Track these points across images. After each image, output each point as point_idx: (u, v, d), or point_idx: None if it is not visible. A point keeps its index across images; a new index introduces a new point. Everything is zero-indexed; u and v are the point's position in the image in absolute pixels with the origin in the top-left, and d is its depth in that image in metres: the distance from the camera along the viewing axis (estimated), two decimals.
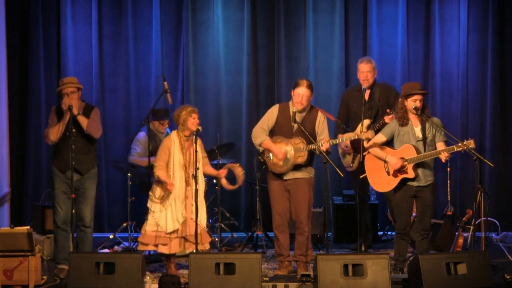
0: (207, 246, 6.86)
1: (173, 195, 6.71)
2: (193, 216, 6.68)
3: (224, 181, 7.00)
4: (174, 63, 8.88)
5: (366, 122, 7.46)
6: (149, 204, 6.85)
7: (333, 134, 7.62)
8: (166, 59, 8.84)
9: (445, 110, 8.78)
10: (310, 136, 6.70)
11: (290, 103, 6.87)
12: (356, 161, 7.59)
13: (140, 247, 6.85)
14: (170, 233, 6.73)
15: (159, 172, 6.74)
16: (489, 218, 7.97)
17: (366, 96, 7.58)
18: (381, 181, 6.73)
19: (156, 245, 6.78)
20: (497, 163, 8.47)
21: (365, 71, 7.59)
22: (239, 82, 8.86)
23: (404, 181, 6.62)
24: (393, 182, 6.65)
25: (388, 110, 7.28)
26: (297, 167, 6.78)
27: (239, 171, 6.94)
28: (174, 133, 6.85)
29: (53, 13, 8.72)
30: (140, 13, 8.79)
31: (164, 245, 6.75)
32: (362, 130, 7.32)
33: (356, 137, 7.02)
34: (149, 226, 6.79)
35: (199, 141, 6.82)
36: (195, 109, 6.82)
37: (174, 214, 6.71)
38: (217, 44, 8.82)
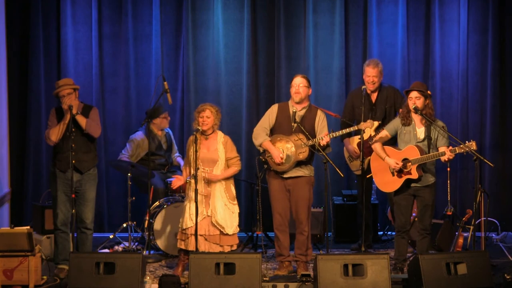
0: (227, 249, 6.84)
1: (192, 193, 6.73)
2: (211, 216, 6.76)
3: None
4: (174, 63, 8.87)
5: (375, 124, 7.44)
6: None
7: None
8: (166, 59, 8.83)
9: (445, 110, 8.77)
10: (309, 135, 6.72)
11: (289, 102, 6.90)
12: (365, 164, 7.55)
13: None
14: (186, 229, 6.78)
15: (184, 170, 7.02)
16: (489, 218, 7.97)
17: (373, 98, 7.59)
18: (386, 181, 6.74)
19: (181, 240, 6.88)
20: (497, 163, 8.47)
21: (371, 75, 7.57)
22: (239, 82, 8.84)
23: (408, 181, 6.62)
24: (397, 183, 6.66)
25: (400, 110, 7.23)
26: (297, 165, 6.78)
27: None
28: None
29: (53, 13, 8.71)
30: (140, 13, 8.78)
31: (182, 240, 6.83)
32: (362, 131, 7.30)
33: (356, 129, 7.00)
34: (179, 223, 6.90)
35: (230, 141, 6.93)
36: (202, 107, 6.91)
37: (190, 212, 6.74)
38: (217, 44, 8.81)
